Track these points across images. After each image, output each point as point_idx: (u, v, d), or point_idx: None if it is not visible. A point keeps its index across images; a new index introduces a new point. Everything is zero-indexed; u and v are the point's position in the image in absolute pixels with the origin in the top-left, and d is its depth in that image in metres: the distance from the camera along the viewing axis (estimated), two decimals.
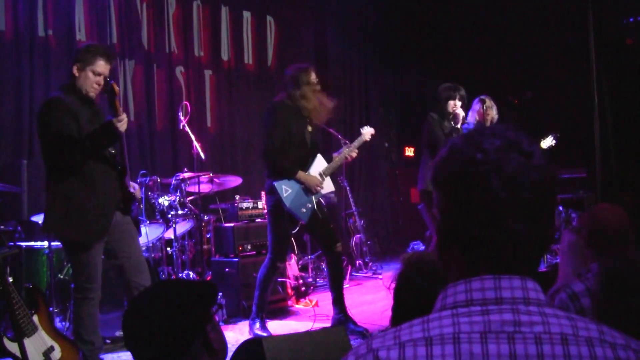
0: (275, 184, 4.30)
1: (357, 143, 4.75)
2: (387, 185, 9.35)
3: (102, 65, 3.44)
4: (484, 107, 5.35)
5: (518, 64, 7.74)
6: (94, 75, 3.42)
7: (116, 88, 3.34)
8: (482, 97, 5.44)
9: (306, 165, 4.44)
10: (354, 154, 4.66)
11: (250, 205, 5.62)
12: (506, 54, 7.84)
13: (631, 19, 7.30)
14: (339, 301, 4.47)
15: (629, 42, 7.37)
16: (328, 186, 4.53)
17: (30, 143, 5.76)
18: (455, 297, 0.91)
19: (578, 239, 2.46)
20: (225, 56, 7.54)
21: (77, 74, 3.42)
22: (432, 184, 0.98)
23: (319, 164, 4.52)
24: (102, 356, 3.65)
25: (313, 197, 4.41)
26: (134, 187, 3.68)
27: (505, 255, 0.90)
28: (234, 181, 5.97)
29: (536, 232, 0.91)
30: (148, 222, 4.91)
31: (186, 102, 6.07)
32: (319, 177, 4.45)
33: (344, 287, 4.78)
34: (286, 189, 4.31)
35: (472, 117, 5.49)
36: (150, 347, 1.48)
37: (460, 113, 5.15)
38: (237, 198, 5.79)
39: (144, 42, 6.71)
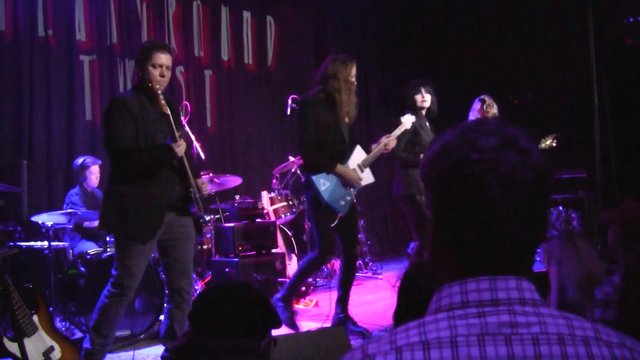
0: (313, 177, 4.23)
1: (396, 132, 4.65)
2: (387, 185, 9.35)
3: (159, 57, 3.48)
4: (484, 107, 5.34)
5: (518, 64, 7.74)
6: (155, 68, 3.47)
7: (155, 87, 3.39)
8: (482, 96, 5.43)
9: (344, 158, 4.37)
10: (393, 144, 4.58)
11: (250, 205, 5.62)
12: (506, 54, 7.84)
13: (631, 19, 7.29)
14: (343, 300, 4.46)
15: (629, 42, 7.37)
16: (368, 177, 4.47)
17: (30, 143, 5.77)
18: (451, 298, 0.89)
19: (575, 243, 2.46)
20: (225, 56, 7.54)
21: (140, 73, 3.50)
22: (423, 182, 0.95)
23: (358, 156, 4.44)
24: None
25: (352, 189, 4.36)
26: (202, 183, 3.69)
27: (500, 255, 0.89)
28: (234, 181, 5.97)
29: (531, 231, 0.90)
30: None
31: (186, 102, 6.06)
32: (358, 170, 4.39)
33: None
34: (324, 182, 4.24)
35: (473, 117, 5.49)
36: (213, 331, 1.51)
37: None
38: (237, 198, 5.79)
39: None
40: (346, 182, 4.32)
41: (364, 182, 4.43)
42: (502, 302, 0.87)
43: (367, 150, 4.53)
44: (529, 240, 0.90)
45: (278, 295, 4.44)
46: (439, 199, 0.93)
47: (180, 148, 3.44)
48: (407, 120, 4.78)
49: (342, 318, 4.41)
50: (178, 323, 3.59)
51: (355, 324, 4.39)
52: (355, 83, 4.37)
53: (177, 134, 3.42)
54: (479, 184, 0.87)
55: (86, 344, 3.49)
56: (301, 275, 4.43)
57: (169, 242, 3.56)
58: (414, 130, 5.15)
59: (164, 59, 3.50)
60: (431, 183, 0.94)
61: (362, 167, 4.44)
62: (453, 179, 0.90)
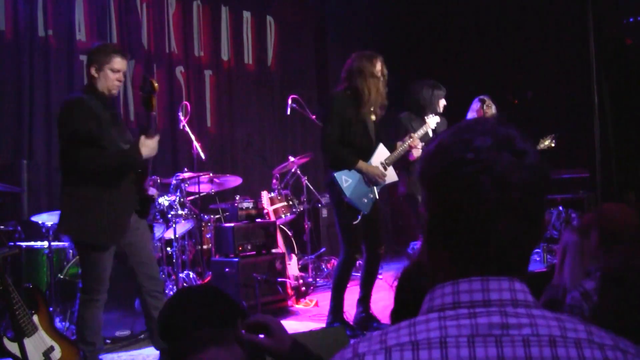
0: (335, 174, 4.20)
1: (421, 131, 4.62)
2: (386, 186, 9.33)
3: (119, 62, 3.47)
4: (484, 107, 5.35)
5: (518, 64, 7.74)
6: (113, 73, 3.46)
7: (155, 84, 3.38)
8: (482, 97, 5.43)
9: (369, 155, 4.33)
10: (417, 143, 4.54)
11: (250, 205, 5.61)
12: (506, 54, 7.84)
13: (631, 19, 7.29)
14: (365, 300, 4.44)
15: (629, 42, 7.36)
16: (391, 176, 4.43)
17: (30, 143, 5.77)
18: (443, 299, 0.89)
19: (582, 239, 2.46)
20: (225, 56, 7.53)
21: (96, 75, 3.45)
22: (419, 182, 0.95)
23: (381, 154, 4.40)
24: (102, 356, 3.65)
25: (375, 187, 4.32)
26: (152, 191, 3.70)
27: (494, 256, 0.89)
28: (234, 181, 5.97)
29: (526, 232, 0.89)
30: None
31: (186, 102, 6.07)
32: (380, 167, 4.35)
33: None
34: (346, 179, 4.20)
35: (472, 117, 5.49)
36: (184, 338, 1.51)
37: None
38: (237, 198, 5.79)
39: (144, 42, 6.71)
40: (369, 179, 4.27)
41: (387, 181, 4.39)
42: (494, 303, 0.87)
43: (392, 148, 4.49)
44: (523, 242, 0.90)
45: (328, 321, 4.37)
46: (434, 198, 0.92)
47: (155, 144, 3.40)
48: (432, 121, 4.77)
49: (365, 317, 4.40)
50: None
51: (378, 322, 4.37)
52: (384, 79, 4.33)
53: (155, 108, 3.41)
54: (473, 184, 0.87)
55: (81, 353, 3.49)
56: (338, 288, 4.33)
57: (129, 247, 3.51)
58: (405, 130, 5.13)
59: (122, 64, 3.49)
60: (427, 183, 0.94)
61: (385, 165, 4.39)
62: (448, 179, 0.89)
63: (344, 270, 4.33)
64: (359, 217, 4.26)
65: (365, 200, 4.27)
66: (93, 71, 3.45)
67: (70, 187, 3.40)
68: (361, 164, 4.26)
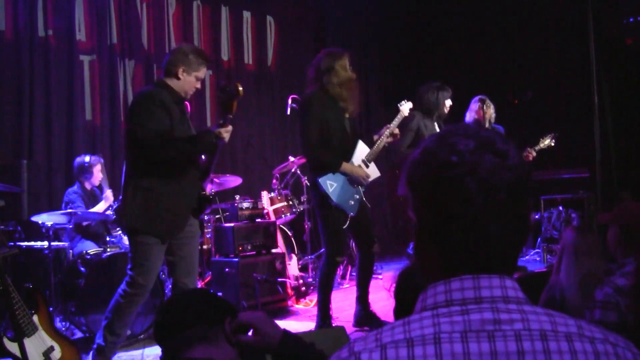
0: (320, 180, 4.15)
1: (396, 121, 4.59)
2: (387, 185, 9.34)
3: (204, 72, 3.62)
4: (484, 107, 5.35)
5: (518, 64, 7.74)
6: (196, 81, 3.58)
7: (240, 89, 3.44)
8: (481, 96, 5.44)
9: (349, 154, 4.30)
10: (396, 132, 4.52)
11: (250, 205, 5.62)
12: (506, 54, 7.84)
13: (631, 19, 7.29)
14: (363, 299, 4.46)
15: (629, 42, 7.36)
16: (374, 172, 4.40)
17: (30, 143, 5.77)
18: (435, 297, 0.91)
19: (579, 239, 2.46)
20: (225, 56, 7.54)
21: (181, 77, 3.53)
22: (406, 186, 0.98)
23: (361, 151, 4.37)
24: None
25: (360, 187, 4.31)
26: (209, 190, 3.76)
27: (483, 255, 0.91)
28: (234, 181, 5.97)
29: (513, 231, 0.92)
30: None
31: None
32: (363, 166, 4.33)
33: (344, 286, 4.74)
34: (331, 184, 4.17)
35: (471, 117, 5.50)
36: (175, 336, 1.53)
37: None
38: (237, 198, 5.79)
39: (144, 42, 6.71)
40: (354, 180, 4.25)
41: (370, 178, 4.37)
42: (486, 300, 0.89)
43: (370, 143, 4.46)
44: (510, 240, 0.93)
45: (316, 325, 4.34)
46: (421, 202, 0.95)
47: (228, 134, 3.45)
48: (405, 108, 4.72)
49: (364, 315, 4.41)
50: None
51: (378, 319, 4.39)
52: (354, 75, 4.30)
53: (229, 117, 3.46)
54: (460, 187, 0.90)
55: (99, 340, 3.49)
56: (324, 287, 4.30)
57: (177, 240, 3.55)
58: (418, 130, 5.15)
59: (204, 74, 3.63)
60: (414, 187, 0.96)
61: (366, 162, 4.37)
62: (434, 183, 0.92)
63: (328, 273, 4.31)
64: (348, 221, 4.23)
65: (352, 202, 4.26)
66: (180, 72, 3.52)
67: (135, 179, 3.44)
68: (345, 165, 4.22)
